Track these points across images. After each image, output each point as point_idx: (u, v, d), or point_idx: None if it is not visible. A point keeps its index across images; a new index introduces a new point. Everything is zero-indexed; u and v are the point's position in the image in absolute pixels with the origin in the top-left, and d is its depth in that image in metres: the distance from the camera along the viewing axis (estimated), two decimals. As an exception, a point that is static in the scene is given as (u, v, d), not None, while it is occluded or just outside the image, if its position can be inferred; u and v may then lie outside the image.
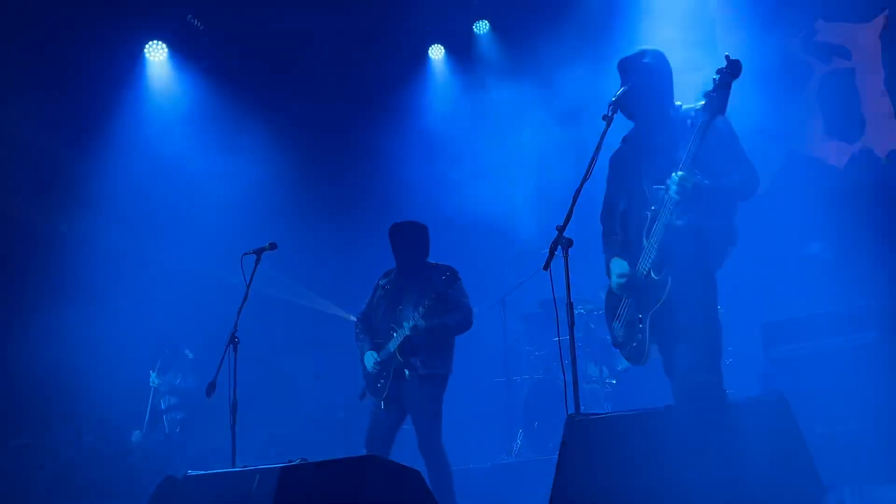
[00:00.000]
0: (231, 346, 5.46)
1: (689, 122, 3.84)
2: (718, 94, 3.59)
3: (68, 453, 8.00)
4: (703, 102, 3.68)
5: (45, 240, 8.77)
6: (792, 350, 5.57)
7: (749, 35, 8.67)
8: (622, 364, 7.72)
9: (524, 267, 8.25)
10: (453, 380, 8.85)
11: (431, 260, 5.92)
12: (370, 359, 5.78)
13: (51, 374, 8.10)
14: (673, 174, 3.63)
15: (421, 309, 5.58)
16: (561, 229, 3.86)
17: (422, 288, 5.68)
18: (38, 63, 8.47)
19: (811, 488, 3.11)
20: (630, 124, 4.21)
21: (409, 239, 5.85)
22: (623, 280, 3.87)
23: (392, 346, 5.70)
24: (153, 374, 8.38)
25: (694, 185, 3.52)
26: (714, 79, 3.64)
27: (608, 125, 3.92)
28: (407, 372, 5.63)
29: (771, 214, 7.76)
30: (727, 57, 3.63)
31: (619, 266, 3.95)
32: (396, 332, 5.69)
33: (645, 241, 3.80)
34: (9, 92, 8.38)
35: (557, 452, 3.55)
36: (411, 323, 5.60)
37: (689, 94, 4.23)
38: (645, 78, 3.98)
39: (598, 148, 3.91)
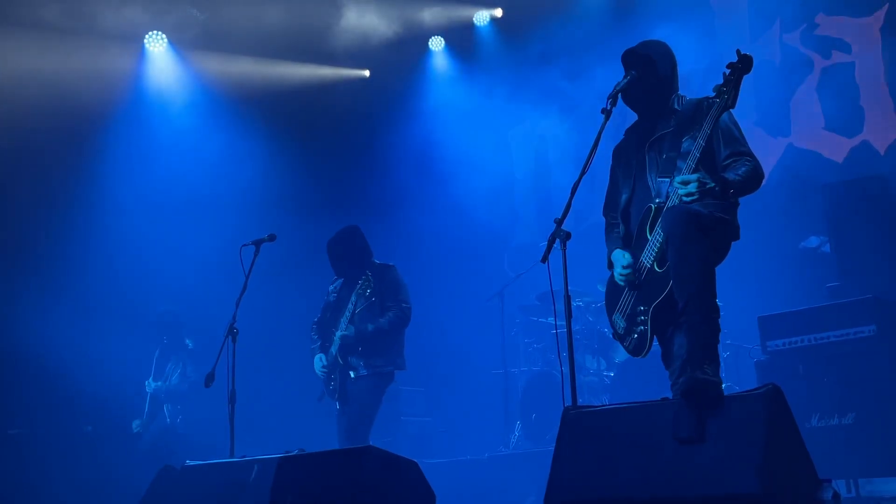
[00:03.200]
0: (230, 336, 5.47)
1: (695, 114, 3.83)
2: (729, 89, 3.57)
3: (68, 443, 8.01)
4: (712, 96, 3.65)
5: (45, 228, 8.77)
6: (789, 344, 5.57)
7: (749, 28, 8.67)
8: (620, 356, 7.74)
9: (522, 259, 8.26)
10: (452, 372, 8.85)
11: (389, 259, 6.08)
12: (318, 362, 5.96)
13: (50, 363, 8.11)
14: (678, 176, 3.61)
15: (348, 314, 5.75)
16: (559, 222, 3.85)
17: (360, 290, 5.76)
18: (36, 50, 8.46)
19: (807, 481, 3.12)
20: (634, 116, 4.20)
21: (342, 249, 5.94)
22: (627, 272, 3.87)
23: (333, 349, 5.84)
24: (149, 380, 8.34)
25: (699, 187, 3.51)
26: (725, 73, 3.61)
27: (606, 119, 3.89)
28: (352, 373, 5.81)
29: (769, 208, 7.77)
30: (738, 52, 3.60)
31: (621, 258, 3.93)
32: (335, 336, 5.84)
33: (649, 234, 3.79)
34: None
35: (554, 444, 3.56)
36: (340, 332, 5.76)
37: (688, 86, 4.23)
38: (649, 69, 3.97)
39: (597, 142, 3.89)
